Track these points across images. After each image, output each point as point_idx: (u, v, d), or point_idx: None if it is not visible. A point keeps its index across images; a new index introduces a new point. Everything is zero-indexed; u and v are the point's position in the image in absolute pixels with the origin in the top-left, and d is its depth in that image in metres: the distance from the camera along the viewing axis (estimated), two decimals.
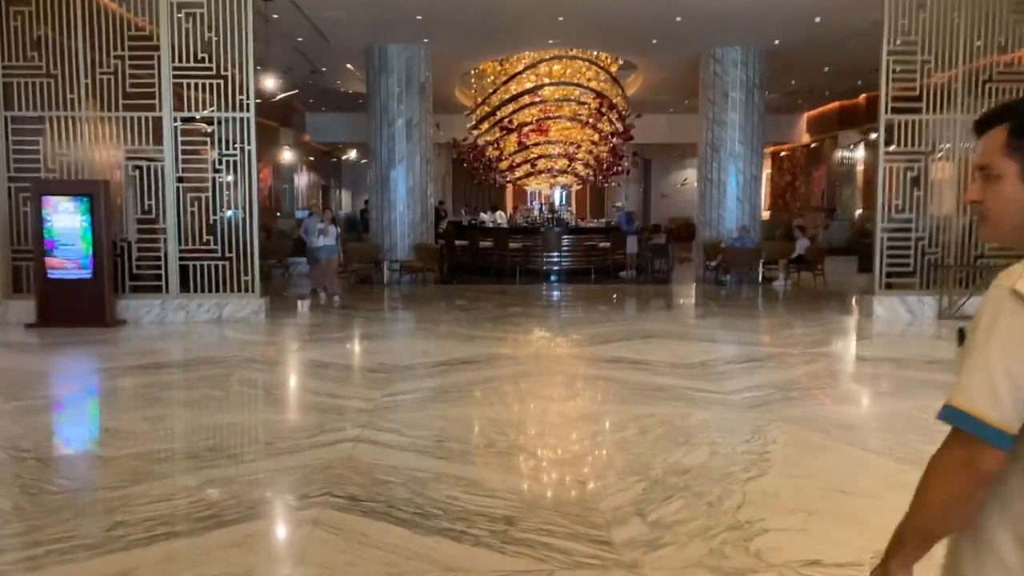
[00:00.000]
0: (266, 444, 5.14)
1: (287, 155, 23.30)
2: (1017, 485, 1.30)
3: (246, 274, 10.56)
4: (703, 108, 16.35)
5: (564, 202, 28.81)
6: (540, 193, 31.03)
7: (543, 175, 19.74)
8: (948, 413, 1.29)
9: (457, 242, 17.95)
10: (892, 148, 10.82)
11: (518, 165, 19.27)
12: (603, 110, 17.78)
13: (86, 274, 9.82)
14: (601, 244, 17.02)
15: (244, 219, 10.55)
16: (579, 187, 21.37)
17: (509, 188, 29.65)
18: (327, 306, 11.83)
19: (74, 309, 9.77)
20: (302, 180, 27.34)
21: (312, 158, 26.85)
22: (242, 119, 10.45)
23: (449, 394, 6.48)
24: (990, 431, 1.25)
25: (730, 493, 4.12)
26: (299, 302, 12.66)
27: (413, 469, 4.53)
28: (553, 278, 16.59)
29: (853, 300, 11.94)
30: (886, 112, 10.75)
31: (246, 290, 10.58)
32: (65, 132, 10.28)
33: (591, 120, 17.79)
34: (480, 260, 17.19)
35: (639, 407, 5.96)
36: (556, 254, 16.93)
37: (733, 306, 12.59)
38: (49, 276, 9.81)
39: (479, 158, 20.07)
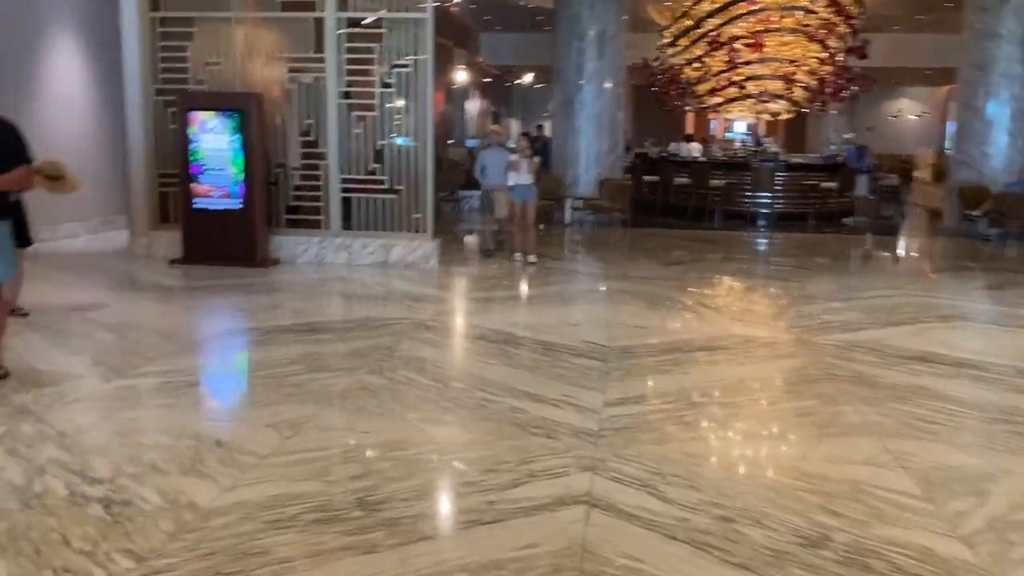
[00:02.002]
0: (444, 500, 3.27)
1: (460, 78, 21.54)
2: None
3: (417, 211, 8.81)
4: (970, 18, 13.03)
5: (751, 132, 25.61)
6: (723, 123, 27.86)
7: (749, 101, 16.92)
8: None
9: (645, 178, 15.64)
10: None
11: (722, 88, 16.53)
12: (835, 20, 14.67)
13: (235, 204, 8.37)
14: (824, 184, 14.19)
15: (417, 145, 8.75)
16: (790, 115, 18.25)
17: (690, 117, 26.78)
18: (519, 266, 8.85)
19: (222, 244, 8.38)
20: (473, 106, 25.62)
21: (485, 81, 25.04)
22: (417, 22, 8.56)
23: (706, 410, 4.40)
24: None
25: None
26: (465, 239, 10.88)
27: None
28: (761, 223, 14.02)
29: None
30: None
31: (416, 230, 8.84)
32: (216, 37, 8.77)
33: (820, 33, 14.73)
34: (672, 199, 14.83)
35: None
36: (768, 194, 14.27)
37: None
38: (195, 205, 8.45)
39: (674, 81, 17.50)
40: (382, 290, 7.62)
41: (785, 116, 18.45)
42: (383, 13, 8.60)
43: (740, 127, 27.77)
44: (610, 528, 2.98)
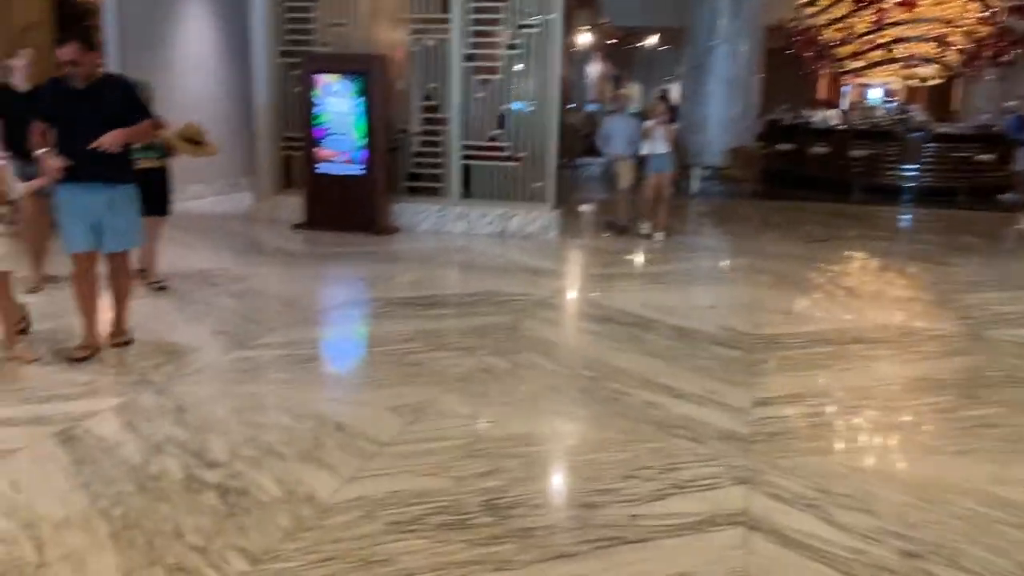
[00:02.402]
0: (580, 509, 2.93)
1: (582, 40, 20.91)
2: None
3: (538, 180, 8.46)
4: None
5: (889, 98, 23.87)
6: (856, 88, 26.02)
7: (895, 65, 15.68)
8: None
9: (779, 146, 14.71)
10: None
11: (866, 51, 15.37)
12: None
13: (357, 169, 8.24)
14: (978, 156, 12.97)
15: (540, 111, 8.37)
16: (940, 80, 16.84)
17: (821, 82, 25.23)
18: (646, 241, 8.25)
19: (343, 211, 8.27)
20: (594, 70, 24.95)
21: (607, 44, 24.28)
22: None
23: (872, 415, 3.88)
24: None
25: None
26: (582, 208, 10.35)
27: None
28: (906, 197, 12.96)
29: None
30: None
31: (537, 199, 8.50)
32: None
33: None
34: (808, 169, 13.91)
35: None
36: (914, 166, 13.15)
37: None
38: (318, 170, 8.36)
39: (812, 43, 16.40)
40: (501, 262, 7.33)
41: (934, 82, 17.03)
42: None
43: (875, 93, 26.06)
44: (775, 558, 2.58)
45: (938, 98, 25.52)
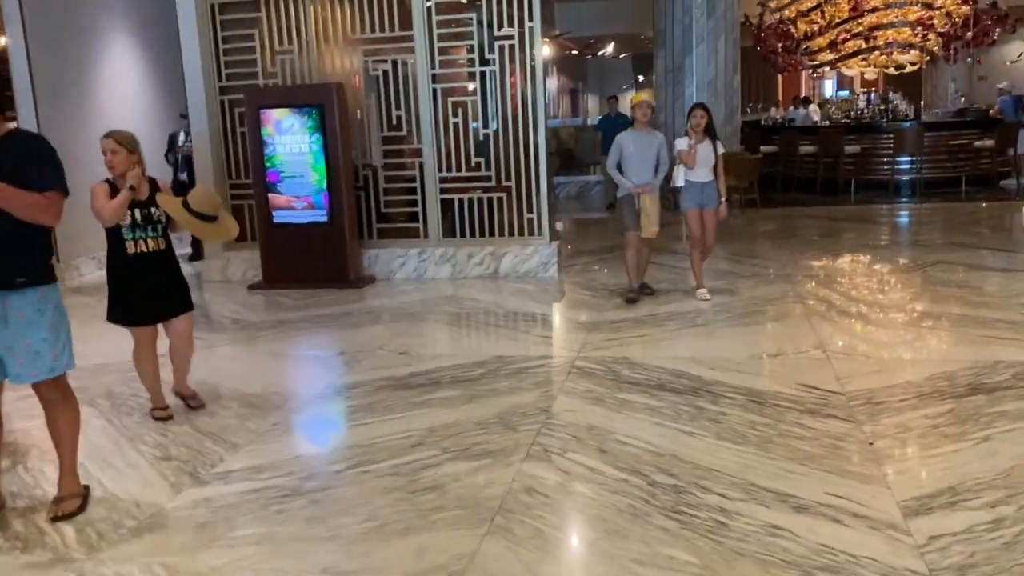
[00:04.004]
0: None
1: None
2: None
3: (530, 211, 7.40)
4: None
5: (847, 90, 23.42)
6: (810, 83, 25.51)
7: (874, 54, 14.96)
8: None
9: (763, 148, 13.87)
10: None
11: (844, 40, 14.62)
12: None
13: (320, 216, 7.11)
14: (977, 143, 12.23)
15: (526, 132, 7.33)
16: (918, 66, 16.16)
17: (780, 79, 24.71)
18: (699, 302, 6.17)
19: (307, 263, 7.16)
20: (551, 84, 24.10)
21: (563, 55, 23.44)
22: None
23: None
24: None
25: None
26: (560, 227, 9.35)
27: None
28: (905, 192, 12.19)
29: None
30: None
31: (530, 232, 7.44)
32: (285, 21, 7.48)
33: None
34: (797, 171, 13.09)
35: None
36: (911, 158, 12.33)
37: None
38: (274, 220, 7.21)
39: (782, 38, 15.63)
40: (503, 313, 6.25)
41: (912, 68, 16.36)
42: None
43: (830, 87, 25.82)
44: None
45: (909, 86, 25.00)
